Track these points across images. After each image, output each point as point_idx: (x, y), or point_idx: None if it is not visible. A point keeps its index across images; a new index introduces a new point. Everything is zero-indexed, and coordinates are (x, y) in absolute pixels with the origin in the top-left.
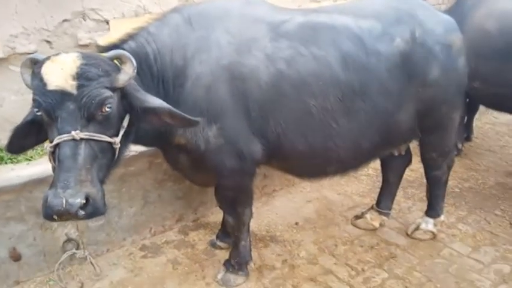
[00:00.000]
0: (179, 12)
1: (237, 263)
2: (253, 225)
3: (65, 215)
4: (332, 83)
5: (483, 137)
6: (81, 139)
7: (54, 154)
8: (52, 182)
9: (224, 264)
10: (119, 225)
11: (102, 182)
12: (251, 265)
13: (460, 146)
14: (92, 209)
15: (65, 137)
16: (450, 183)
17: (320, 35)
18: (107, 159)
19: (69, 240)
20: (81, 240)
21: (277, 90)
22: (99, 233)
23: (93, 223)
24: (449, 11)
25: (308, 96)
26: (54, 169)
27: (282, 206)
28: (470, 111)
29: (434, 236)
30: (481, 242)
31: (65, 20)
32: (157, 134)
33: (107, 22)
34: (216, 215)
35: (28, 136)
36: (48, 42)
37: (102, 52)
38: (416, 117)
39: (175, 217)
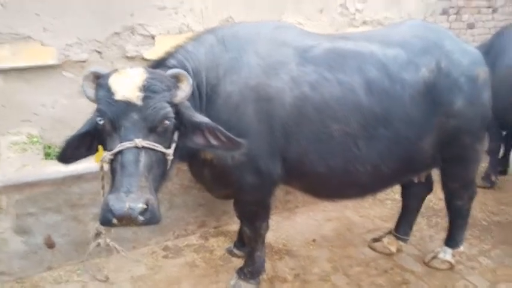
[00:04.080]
0: (213, 33)
1: (249, 272)
2: (272, 237)
3: (125, 219)
4: (355, 108)
5: None
6: (143, 147)
7: (113, 162)
8: (112, 187)
9: (237, 271)
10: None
11: (156, 192)
12: (263, 275)
13: (493, 178)
14: (150, 216)
15: (127, 144)
16: (478, 215)
17: (346, 61)
18: (161, 171)
19: (98, 233)
20: (103, 230)
21: (301, 113)
22: (126, 230)
23: None
24: (488, 44)
25: (330, 120)
26: (102, 178)
27: (302, 222)
28: (508, 144)
29: (451, 267)
30: (501, 278)
31: (115, 33)
32: (188, 148)
33: (153, 37)
34: (237, 224)
35: (79, 148)
36: (98, 52)
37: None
38: (439, 146)
39: (198, 223)
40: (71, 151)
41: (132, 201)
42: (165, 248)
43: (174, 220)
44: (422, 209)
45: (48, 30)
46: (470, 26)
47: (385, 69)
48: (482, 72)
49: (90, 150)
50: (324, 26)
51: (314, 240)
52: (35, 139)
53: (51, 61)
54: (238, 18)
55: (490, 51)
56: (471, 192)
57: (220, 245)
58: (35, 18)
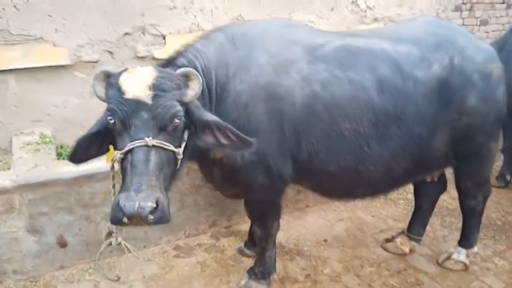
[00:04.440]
0: (223, 32)
1: (260, 272)
2: (282, 237)
3: (135, 218)
4: (366, 107)
5: None
6: (153, 146)
7: (124, 161)
8: (122, 187)
9: (248, 271)
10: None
11: (166, 191)
12: (274, 276)
13: (508, 177)
14: (160, 215)
15: (138, 142)
16: (493, 215)
17: (356, 58)
18: (171, 170)
19: (110, 233)
20: (115, 229)
21: (311, 112)
22: (138, 230)
23: None
24: (502, 40)
25: (341, 118)
26: (113, 177)
27: (313, 222)
28: None
29: (466, 268)
30: None
31: (126, 34)
32: (198, 147)
33: (164, 37)
34: (247, 224)
35: (90, 148)
36: (110, 52)
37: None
38: (451, 144)
39: (209, 222)
40: (82, 151)
41: (142, 200)
42: (176, 248)
43: (185, 219)
44: (436, 209)
45: (59, 31)
46: (484, 23)
47: (396, 67)
48: (496, 68)
49: (101, 150)
50: (335, 24)
51: (325, 240)
52: (48, 139)
53: (63, 61)
54: (248, 17)
55: (503, 47)
56: (485, 192)
57: (231, 244)
58: (47, 20)
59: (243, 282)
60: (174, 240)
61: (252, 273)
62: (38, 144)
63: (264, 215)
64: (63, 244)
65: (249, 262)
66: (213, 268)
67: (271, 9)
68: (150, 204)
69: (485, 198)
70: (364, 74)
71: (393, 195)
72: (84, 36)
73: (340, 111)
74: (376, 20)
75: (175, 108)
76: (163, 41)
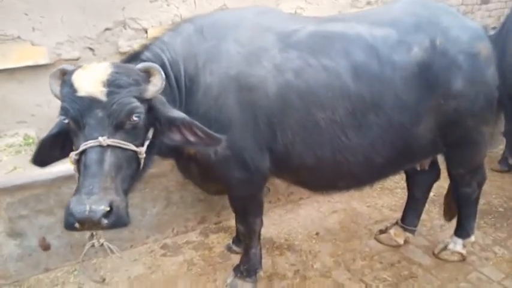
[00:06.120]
0: (192, 23)
1: (246, 270)
2: (273, 232)
3: (87, 222)
4: (341, 94)
5: None
6: (108, 146)
7: (79, 162)
8: (76, 189)
9: (234, 269)
10: (142, 224)
11: (126, 193)
12: (260, 273)
13: (511, 161)
14: (115, 218)
15: (91, 143)
16: (495, 201)
17: (331, 44)
18: (132, 170)
19: (93, 234)
20: (95, 231)
21: (285, 101)
22: (123, 229)
23: None
24: (501, 26)
25: (316, 108)
26: (78, 179)
27: (306, 214)
28: None
29: (463, 258)
30: None
31: (107, 29)
32: (168, 145)
33: (146, 31)
34: None
35: (53, 150)
36: (91, 49)
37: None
38: (439, 131)
39: (198, 219)
40: (45, 153)
41: (94, 204)
42: (164, 246)
43: (172, 217)
44: (434, 197)
45: (37, 30)
46: (485, 1)
47: (373, 52)
48: (484, 48)
49: (65, 151)
50: (326, 9)
51: (317, 234)
52: (31, 140)
53: (42, 61)
54: (233, 6)
55: (504, 26)
56: (480, 179)
57: (220, 241)
58: (24, 18)
59: (228, 281)
60: (162, 238)
61: (237, 271)
62: (21, 146)
63: (246, 211)
64: (46, 247)
65: (237, 259)
66: (200, 266)
67: None
68: (102, 208)
69: (480, 185)
70: (339, 61)
71: (390, 184)
72: (63, 34)
73: (314, 99)
74: (369, 3)
75: (131, 105)
76: (145, 35)
